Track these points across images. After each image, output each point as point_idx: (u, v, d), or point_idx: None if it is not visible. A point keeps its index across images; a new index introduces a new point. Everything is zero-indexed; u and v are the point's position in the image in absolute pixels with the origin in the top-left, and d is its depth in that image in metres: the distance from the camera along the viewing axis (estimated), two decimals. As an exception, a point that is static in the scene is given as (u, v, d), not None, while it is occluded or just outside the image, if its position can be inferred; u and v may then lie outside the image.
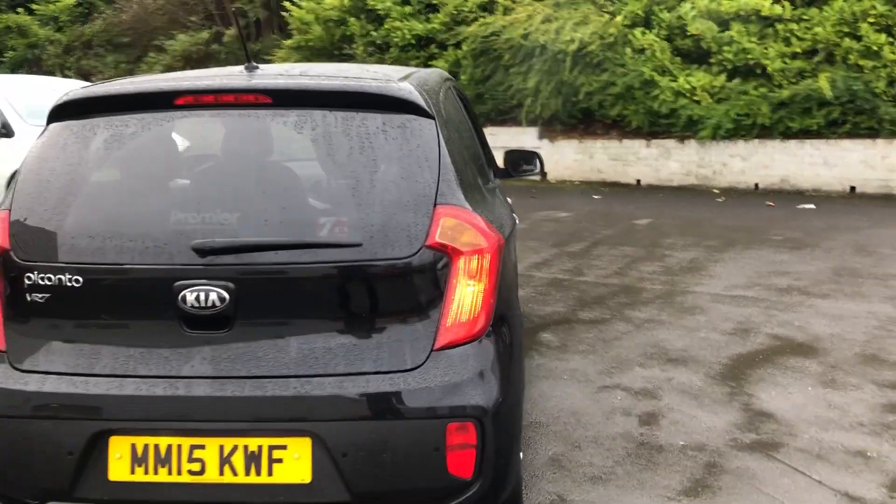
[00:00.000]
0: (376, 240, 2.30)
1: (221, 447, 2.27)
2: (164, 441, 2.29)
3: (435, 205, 2.36)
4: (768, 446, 3.57)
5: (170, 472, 2.28)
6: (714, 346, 4.88)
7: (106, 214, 2.40)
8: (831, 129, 10.44)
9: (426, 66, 13.03)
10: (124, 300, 2.36)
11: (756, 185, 11.09)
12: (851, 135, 10.38)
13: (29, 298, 2.37)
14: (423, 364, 2.29)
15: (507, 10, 12.49)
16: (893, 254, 7.12)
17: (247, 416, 2.27)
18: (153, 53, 17.23)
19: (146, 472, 2.29)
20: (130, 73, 17.87)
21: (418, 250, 2.31)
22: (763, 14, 10.67)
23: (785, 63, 10.62)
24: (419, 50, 13.47)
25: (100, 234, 2.35)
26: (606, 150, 12.08)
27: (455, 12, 12.90)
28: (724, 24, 11.01)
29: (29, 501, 2.39)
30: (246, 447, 2.27)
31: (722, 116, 10.94)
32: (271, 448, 2.27)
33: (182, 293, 2.26)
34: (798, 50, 10.57)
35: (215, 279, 2.26)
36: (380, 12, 13.54)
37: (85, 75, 17.50)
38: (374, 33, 13.69)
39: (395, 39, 13.32)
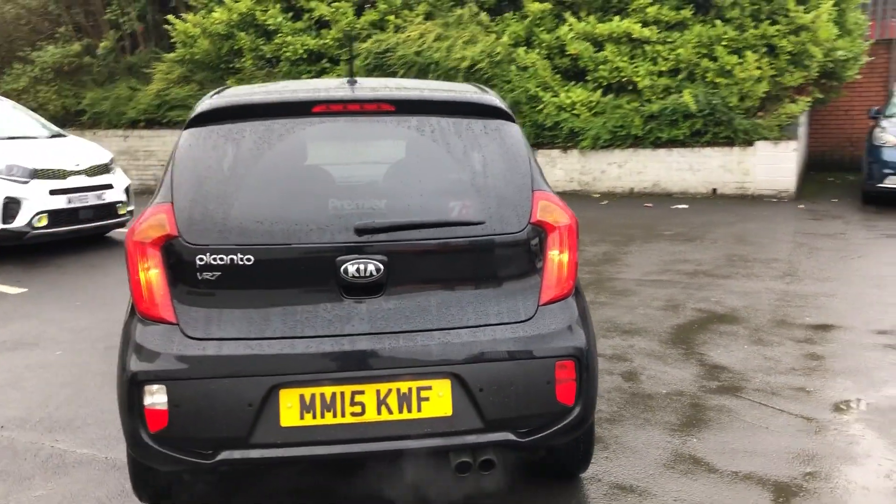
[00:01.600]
0: (494, 219, 2.88)
1: (378, 391, 2.76)
2: (328, 389, 2.74)
3: (532, 191, 2.97)
4: (732, 389, 4.42)
5: (334, 416, 2.74)
6: (655, 320, 5.74)
7: (269, 203, 2.82)
8: (695, 139, 11.84)
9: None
10: (291, 274, 2.79)
11: (631, 189, 12.34)
12: (712, 143, 11.82)
13: (200, 276, 2.76)
14: (533, 316, 2.89)
15: (398, 29, 13.16)
16: (769, 243, 8.37)
17: (400, 364, 2.77)
18: (18, 65, 16.49)
19: (314, 417, 2.74)
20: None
21: (525, 226, 2.91)
22: (633, 36, 11.95)
23: (653, 80, 11.93)
24: (311, 64, 13.86)
25: (266, 220, 2.78)
26: (496, 159, 12.96)
27: (347, 29, 13.40)
28: (598, 45, 12.23)
29: (202, 453, 2.75)
30: (398, 390, 2.77)
31: (600, 128, 12.11)
32: (419, 389, 2.78)
33: (344, 266, 2.74)
34: (664, 69, 11.92)
35: (372, 253, 2.77)
36: (269, 27, 13.82)
37: (-66, 87, 16.47)
38: (264, 47, 13.94)
39: (287, 54, 13.64)
